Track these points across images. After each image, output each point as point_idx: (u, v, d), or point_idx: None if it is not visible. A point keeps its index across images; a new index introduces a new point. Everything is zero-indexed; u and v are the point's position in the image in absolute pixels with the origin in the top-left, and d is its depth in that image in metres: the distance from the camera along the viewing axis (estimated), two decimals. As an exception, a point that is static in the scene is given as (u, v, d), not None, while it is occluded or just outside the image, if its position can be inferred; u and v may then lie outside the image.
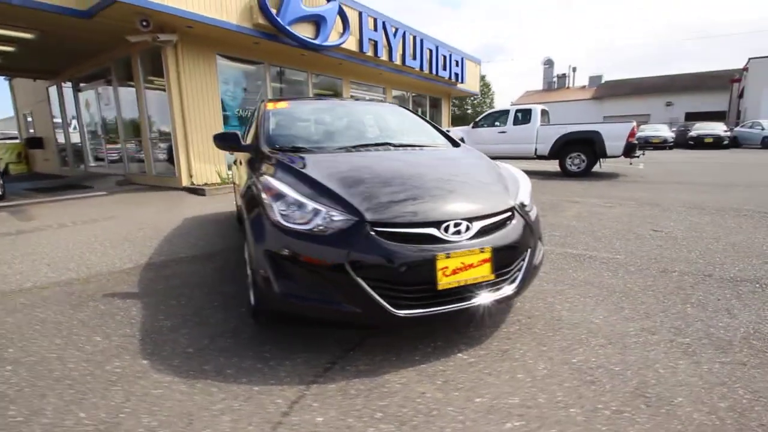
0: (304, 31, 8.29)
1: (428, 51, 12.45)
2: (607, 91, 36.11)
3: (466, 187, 2.10)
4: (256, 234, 1.89)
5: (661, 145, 19.21)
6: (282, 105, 3.15)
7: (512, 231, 1.96)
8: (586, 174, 9.06)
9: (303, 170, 2.10)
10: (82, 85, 10.34)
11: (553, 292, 2.61)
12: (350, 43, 9.50)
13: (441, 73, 13.33)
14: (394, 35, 10.86)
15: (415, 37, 11.74)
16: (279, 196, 1.90)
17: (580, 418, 1.45)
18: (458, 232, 1.80)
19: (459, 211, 1.86)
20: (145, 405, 1.58)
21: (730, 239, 3.68)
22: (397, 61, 11.18)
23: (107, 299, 2.71)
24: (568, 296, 2.54)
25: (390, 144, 2.68)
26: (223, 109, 8.21)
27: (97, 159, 10.70)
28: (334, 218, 1.76)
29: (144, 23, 6.18)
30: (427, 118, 3.54)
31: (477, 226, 1.86)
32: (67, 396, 1.65)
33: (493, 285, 1.88)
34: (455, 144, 3.02)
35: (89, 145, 10.83)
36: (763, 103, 21.42)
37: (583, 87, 39.65)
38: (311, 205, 1.82)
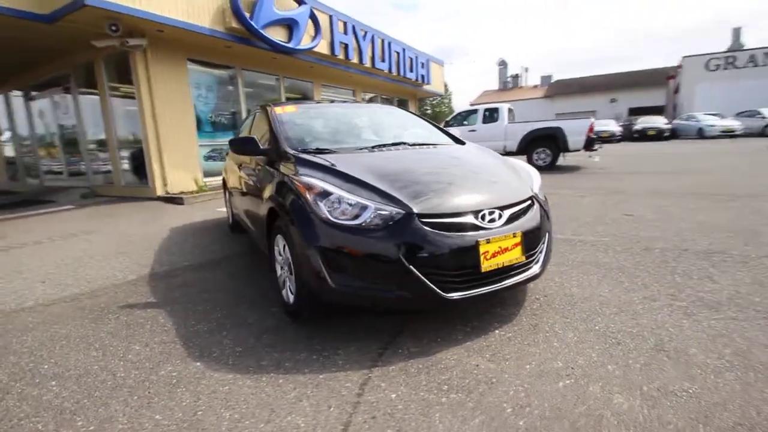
0: (277, 35, 8.25)
1: (396, 53, 12.71)
2: (557, 89, 38.18)
3: (491, 179, 2.29)
4: (304, 232, 1.98)
5: (610, 138, 20.60)
6: (290, 109, 3.21)
7: (534, 217, 2.18)
8: (551, 168, 9.64)
9: (338, 168, 2.21)
10: (34, 93, 9.65)
11: (558, 272, 2.87)
12: (322, 47, 9.54)
13: (408, 74, 13.64)
14: (364, 38, 11.01)
15: (383, 40, 11.95)
16: (324, 193, 2.00)
17: (618, 373, 1.67)
18: (493, 220, 1.99)
19: (491, 200, 2.05)
20: (218, 402, 1.64)
21: (695, 219, 4.14)
22: (367, 63, 11.34)
23: (126, 311, 2.67)
24: (572, 275, 2.80)
25: (405, 143, 2.84)
26: (196, 115, 8.00)
27: (53, 172, 10.02)
28: (383, 212, 1.89)
29: (113, 28, 5.93)
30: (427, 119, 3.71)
31: (507, 213, 2.05)
32: (132, 402, 1.67)
33: (523, 266, 2.08)
34: (459, 142, 3.22)
35: (43, 157, 10.13)
36: (697, 97, 23.62)
37: (536, 86, 41.68)
38: (357, 200, 1.93)
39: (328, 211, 1.94)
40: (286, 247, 2.21)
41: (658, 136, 20.92)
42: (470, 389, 1.61)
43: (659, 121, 21.94)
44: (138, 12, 5.87)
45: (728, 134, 19.04)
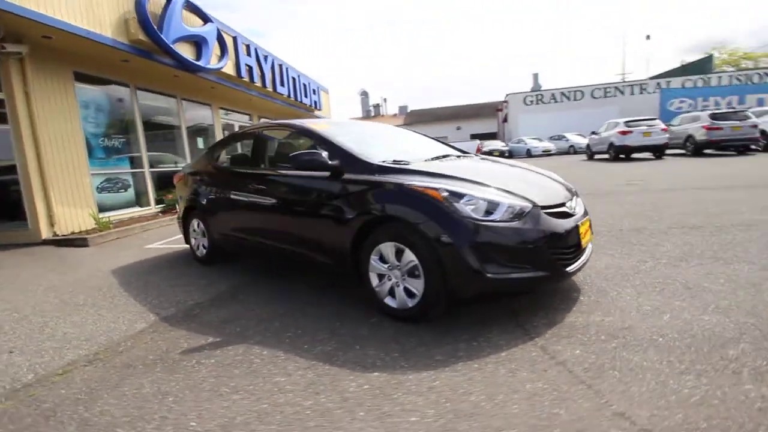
0: (186, 52, 7.53)
1: (292, 79, 12.76)
2: (414, 118, 43.09)
3: (551, 178, 2.85)
4: (450, 232, 2.16)
5: (468, 159, 24.41)
6: (325, 126, 3.24)
7: (583, 206, 2.81)
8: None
9: (443, 173, 2.45)
10: None
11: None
12: (228, 68, 9.05)
13: (304, 100, 13.79)
14: (265, 61, 10.81)
15: (281, 66, 11.90)
16: (457, 195, 2.23)
17: (685, 304, 2.36)
18: (574, 208, 2.53)
19: (566, 194, 2.60)
20: (449, 393, 1.71)
21: (600, 210, 5.53)
22: (269, 87, 11.13)
23: (196, 355, 2.29)
24: (576, 255, 3.56)
25: (450, 155, 3.20)
26: (85, 138, 6.64)
27: None
28: (515, 206, 2.23)
29: (-8, 28, 4.63)
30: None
31: (574, 203, 2.63)
32: (366, 418, 1.60)
33: (589, 243, 2.68)
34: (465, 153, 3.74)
35: None
36: (520, 125, 29.90)
37: (395, 115, 46.22)
38: (491, 197, 2.23)
39: (470, 209, 2.18)
40: (407, 253, 2.31)
41: (501, 156, 25.74)
42: (620, 335, 2.07)
43: (499, 144, 27.02)
44: (32, 14, 4.74)
45: (547, 153, 24.68)
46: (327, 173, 2.79)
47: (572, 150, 24.36)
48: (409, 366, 1.95)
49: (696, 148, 14.04)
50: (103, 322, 2.91)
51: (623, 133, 14.67)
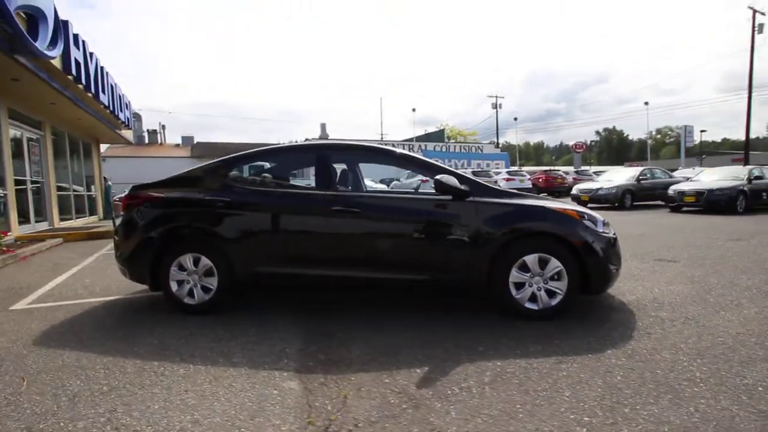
0: (22, 25, 5.20)
1: (111, 87, 10.12)
2: (203, 151, 39.25)
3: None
4: (594, 241, 2.95)
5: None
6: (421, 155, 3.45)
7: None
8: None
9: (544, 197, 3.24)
10: None
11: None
12: (55, 59, 6.62)
13: (120, 114, 11.04)
14: (91, 59, 8.33)
15: (102, 68, 9.33)
16: (582, 213, 3.08)
17: (652, 284, 3.90)
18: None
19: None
20: (646, 353, 2.45)
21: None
22: (93, 91, 8.55)
23: (445, 383, 2.17)
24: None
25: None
26: None
27: None
28: (604, 220, 3.24)
29: None
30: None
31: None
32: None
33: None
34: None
35: None
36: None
37: (178, 145, 40.98)
38: (596, 216, 3.17)
39: (590, 224, 3.04)
40: (552, 261, 2.94)
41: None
42: (659, 302, 3.33)
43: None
44: None
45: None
46: (450, 197, 3.06)
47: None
48: (600, 347, 2.50)
49: (465, 196, 19.48)
50: (228, 397, 2.07)
51: (424, 181, 18.65)
